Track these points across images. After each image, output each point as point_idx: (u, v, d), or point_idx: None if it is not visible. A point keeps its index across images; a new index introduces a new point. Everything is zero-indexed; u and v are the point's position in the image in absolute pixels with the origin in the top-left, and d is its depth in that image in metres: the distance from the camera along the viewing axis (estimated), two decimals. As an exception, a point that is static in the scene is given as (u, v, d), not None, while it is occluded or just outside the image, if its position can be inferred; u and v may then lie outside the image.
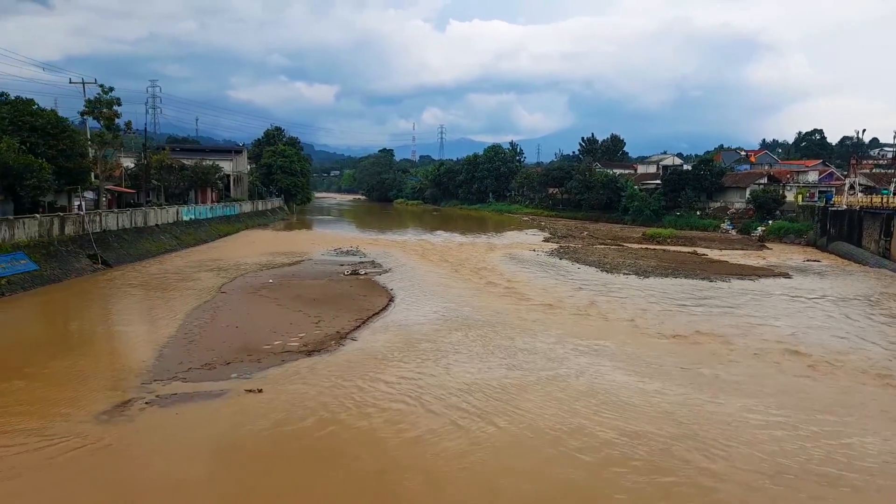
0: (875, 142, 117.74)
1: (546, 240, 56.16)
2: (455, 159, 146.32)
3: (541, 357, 17.69)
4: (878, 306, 26.17)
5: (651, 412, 13.65)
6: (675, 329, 21.27)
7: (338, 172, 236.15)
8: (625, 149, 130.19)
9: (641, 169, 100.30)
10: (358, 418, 13.12)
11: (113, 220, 37.46)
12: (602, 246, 50.01)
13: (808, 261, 41.75)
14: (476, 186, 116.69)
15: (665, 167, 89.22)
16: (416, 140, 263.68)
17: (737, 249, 48.25)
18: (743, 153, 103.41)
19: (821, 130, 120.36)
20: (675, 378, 16.06)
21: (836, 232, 47.67)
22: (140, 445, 11.77)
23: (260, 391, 14.34)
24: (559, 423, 13.02)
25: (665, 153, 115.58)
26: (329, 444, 12.06)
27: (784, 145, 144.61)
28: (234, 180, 73.01)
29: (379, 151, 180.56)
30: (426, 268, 35.82)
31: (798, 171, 76.66)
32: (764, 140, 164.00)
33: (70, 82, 43.19)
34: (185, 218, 49.00)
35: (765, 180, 69.76)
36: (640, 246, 50.55)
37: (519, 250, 46.21)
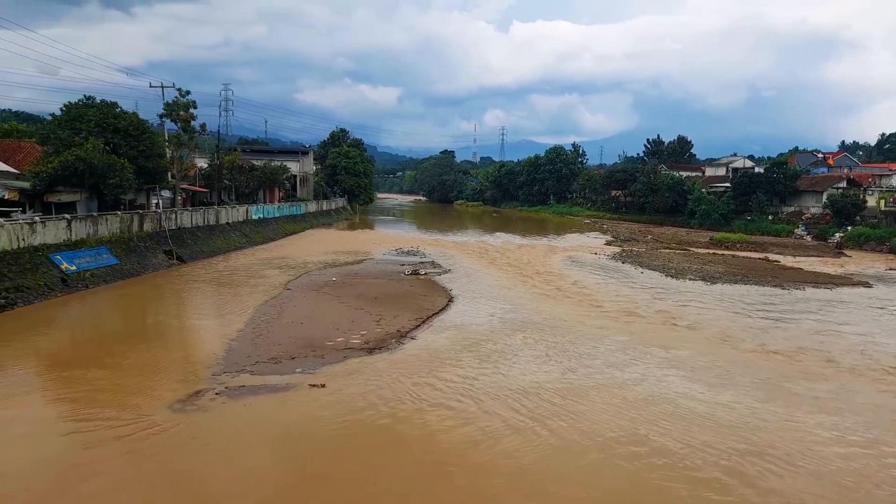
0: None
1: (608, 243, 55.13)
2: (516, 161, 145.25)
3: (601, 363, 17.45)
4: (968, 320, 24.46)
5: (714, 424, 13.23)
6: (745, 337, 20.53)
7: (400, 174, 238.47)
8: (692, 151, 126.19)
9: (709, 171, 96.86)
10: (414, 414, 13.41)
11: (187, 218, 39.24)
12: (667, 250, 48.65)
13: (890, 269, 39.43)
14: (536, 188, 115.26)
15: (735, 170, 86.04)
16: (477, 142, 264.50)
17: (812, 256, 46.09)
18: (820, 155, 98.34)
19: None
20: (748, 389, 15.49)
21: (922, 239, 44.87)
22: (211, 433, 12.34)
23: (323, 386, 14.76)
24: (615, 430, 12.82)
25: (735, 155, 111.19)
26: (386, 437, 12.40)
27: (865, 147, 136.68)
28: (300, 180, 75.01)
29: (440, 153, 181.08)
30: (486, 269, 35.86)
31: (881, 175, 72.32)
32: (843, 142, 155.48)
33: (150, 86, 45.35)
34: (254, 217, 50.75)
35: (844, 184, 66.21)
36: (707, 251, 48.99)
37: (580, 253, 45.60)
